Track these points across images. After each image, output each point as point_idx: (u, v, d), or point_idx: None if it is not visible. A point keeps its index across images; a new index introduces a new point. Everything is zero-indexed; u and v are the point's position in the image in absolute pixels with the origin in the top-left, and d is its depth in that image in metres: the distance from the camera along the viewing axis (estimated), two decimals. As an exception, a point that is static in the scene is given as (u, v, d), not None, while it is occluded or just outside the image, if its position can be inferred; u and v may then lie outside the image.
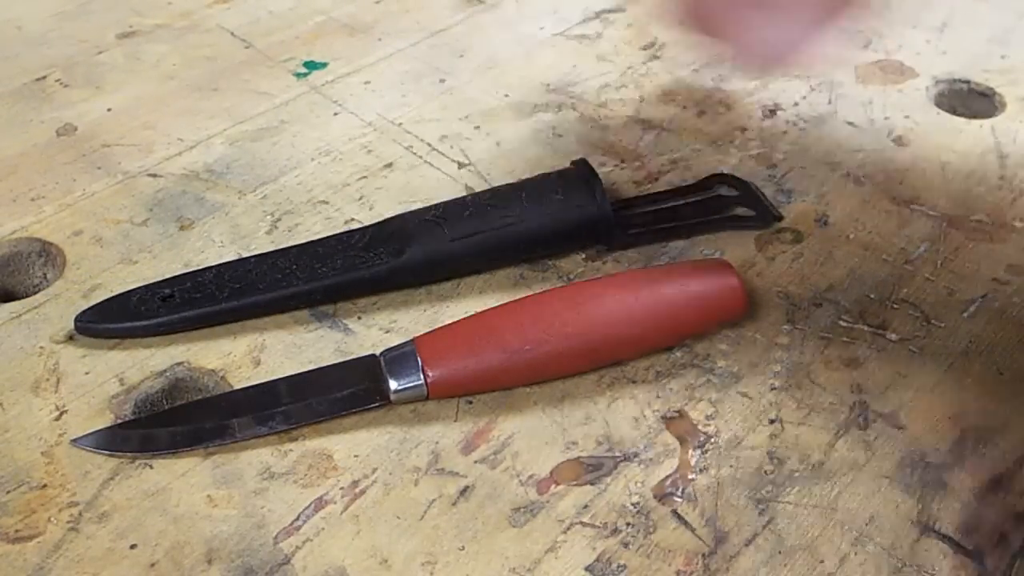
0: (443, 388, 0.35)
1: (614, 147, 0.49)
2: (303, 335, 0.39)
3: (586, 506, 0.33)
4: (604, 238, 0.42)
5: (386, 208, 0.45)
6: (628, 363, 0.38)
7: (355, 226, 0.43)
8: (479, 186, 0.46)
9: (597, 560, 0.31)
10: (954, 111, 0.51)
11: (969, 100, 0.53)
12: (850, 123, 0.50)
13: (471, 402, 0.36)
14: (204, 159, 0.49)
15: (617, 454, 0.35)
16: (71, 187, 0.47)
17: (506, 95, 0.53)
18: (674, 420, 0.36)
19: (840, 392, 0.37)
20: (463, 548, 0.32)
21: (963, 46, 0.56)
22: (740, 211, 0.44)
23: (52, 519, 0.32)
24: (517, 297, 0.38)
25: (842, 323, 0.39)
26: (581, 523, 0.32)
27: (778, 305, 0.40)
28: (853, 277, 0.41)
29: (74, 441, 0.35)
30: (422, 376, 0.35)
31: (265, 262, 0.41)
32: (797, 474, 0.34)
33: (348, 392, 0.35)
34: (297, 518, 0.33)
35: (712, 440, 0.35)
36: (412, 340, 0.36)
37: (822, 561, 0.31)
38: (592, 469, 0.34)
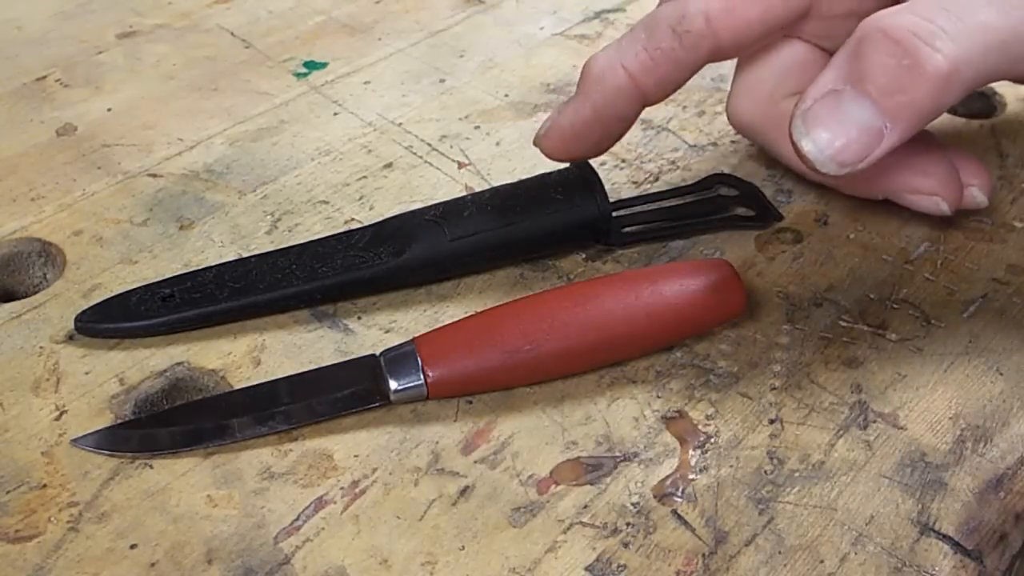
0: (443, 388, 0.35)
1: (614, 147, 0.49)
2: (303, 335, 0.39)
3: (586, 506, 0.33)
4: (604, 238, 0.42)
5: (386, 208, 0.45)
6: (628, 363, 0.38)
7: (355, 226, 0.43)
8: (479, 186, 0.46)
9: (597, 560, 0.31)
10: (954, 111, 0.51)
11: (969, 100, 0.53)
12: (850, 123, 0.50)
13: (471, 402, 0.36)
14: (204, 159, 0.49)
15: (617, 454, 0.35)
16: (71, 187, 0.47)
17: (506, 95, 0.53)
18: (674, 420, 0.36)
19: (840, 392, 0.37)
20: (463, 548, 0.32)
21: (963, 46, 0.56)
22: (740, 211, 0.44)
23: (52, 519, 0.32)
24: (517, 297, 0.38)
25: (842, 323, 0.39)
26: (581, 523, 0.32)
27: (778, 305, 0.40)
28: (853, 277, 0.41)
29: (74, 441, 0.35)
30: (422, 376, 0.35)
31: (265, 262, 0.41)
32: (797, 474, 0.34)
33: (348, 392, 0.35)
34: (297, 518, 0.33)
35: (712, 440, 0.35)
36: (412, 340, 0.36)
37: (822, 561, 0.31)
38: (592, 469, 0.34)
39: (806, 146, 0.33)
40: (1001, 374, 0.37)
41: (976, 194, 0.41)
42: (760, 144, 0.45)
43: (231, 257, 0.42)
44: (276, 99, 0.53)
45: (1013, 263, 0.42)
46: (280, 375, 0.37)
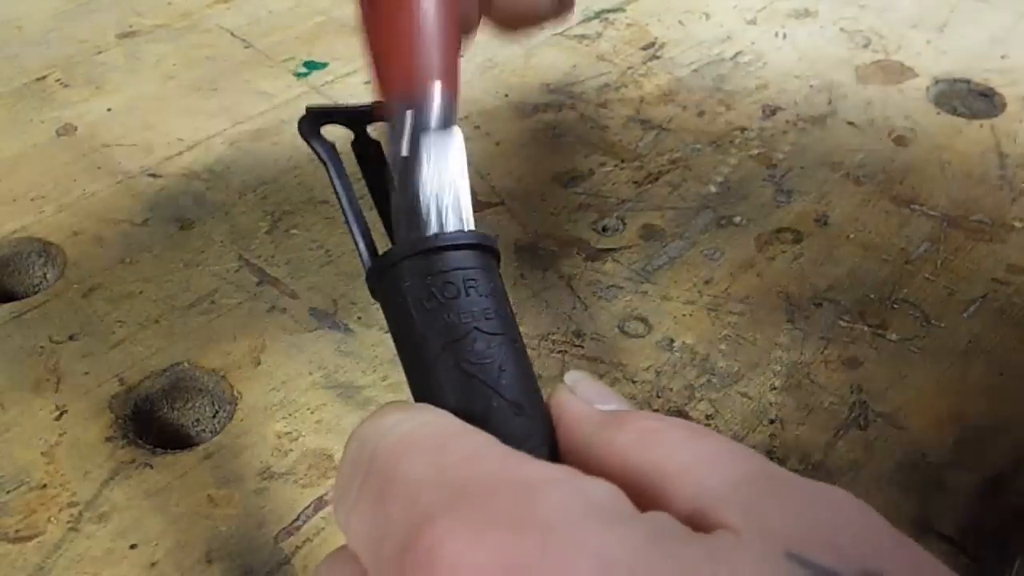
0: None
1: (614, 147, 0.49)
2: (303, 335, 0.39)
3: (586, 506, 0.33)
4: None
5: (386, 208, 0.45)
6: (628, 363, 0.38)
7: (355, 226, 0.43)
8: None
9: (597, 560, 0.31)
10: (954, 111, 0.51)
11: (969, 100, 0.53)
12: (850, 123, 0.50)
13: (471, 402, 0.36)
14: (204, 159, 0.49)
15: (617, 454, 0.34)
16: (71, 187, 0.47)
17: (506, 95, 0.53)
18: (674, 420, 0.36)
19: (840, 392, 0.37)
20: (463, 548, 0.32)
21: (963, 46, 0.56)
22: None
23: (52, 519, 0.32)
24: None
25: (842, 323, 0.39)
26: (581, 523, 0.32)
27: (778, 305, 0.40)
28: (853, 277, 0.41)
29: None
30: None
31: None
32: (797, 474, 0.34)
33: None
34: (297, 518, 0.33)
35: (712, 440, 0.35)
36: None
37: (822, 561, 0.31)
38: (592, 469, 0.34)
39: None
40: (1001, 374, 0.37)
41: None
42: None
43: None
44: (276, 99, 0.53)
45: (1013, 263, 0.42)
46: (280, 375, 0.37)
